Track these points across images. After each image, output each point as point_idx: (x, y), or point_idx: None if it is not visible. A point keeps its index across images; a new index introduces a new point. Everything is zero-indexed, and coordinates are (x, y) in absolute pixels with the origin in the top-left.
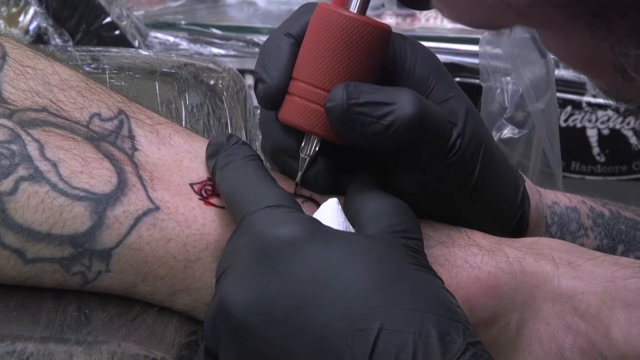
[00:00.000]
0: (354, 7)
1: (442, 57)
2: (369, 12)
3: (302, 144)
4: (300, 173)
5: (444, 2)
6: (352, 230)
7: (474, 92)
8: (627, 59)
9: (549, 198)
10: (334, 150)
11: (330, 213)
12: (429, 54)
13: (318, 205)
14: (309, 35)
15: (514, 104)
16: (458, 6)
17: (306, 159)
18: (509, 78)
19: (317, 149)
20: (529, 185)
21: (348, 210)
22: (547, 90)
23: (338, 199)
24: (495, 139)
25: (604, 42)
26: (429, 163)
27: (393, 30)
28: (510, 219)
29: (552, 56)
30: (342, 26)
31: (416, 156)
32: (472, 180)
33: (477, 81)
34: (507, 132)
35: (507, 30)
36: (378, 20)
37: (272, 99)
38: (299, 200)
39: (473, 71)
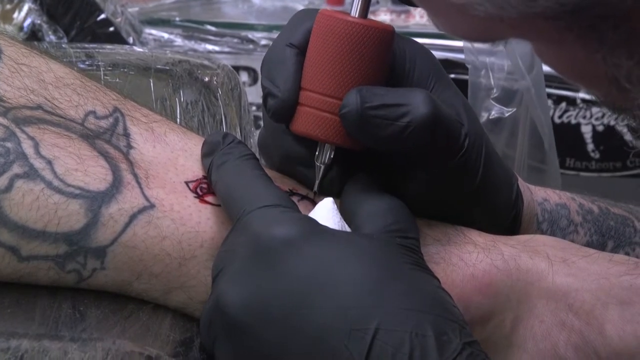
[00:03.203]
0: (355, 11)
1: (437, 54)
2: None
3: (317, 153)
4: (317, 181)
5: (438, 16)
6: (348, 229)
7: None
8: (619, 70)
9: (539, 195)
10: (347, 156)
11: (326, 213)
12: (427, 53)
13: (313, 203)
14: (313, 44)
15: (500, 84)
16: (452, 20)
17: (321, 167)
18: (494, 58)
19: (332, 156)
20: (521, 183)
21: (344, 210)
22: (534, 66)
23: (334, 198)
24: (484, 119)
25: (596, 54)
26: (438, 163)
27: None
28: (506, 218)
29: None
30: (347, 32)
31: (427, 156)
32: (477, 180)
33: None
34: (495, 112)
35: (501, 42)
36: (378, 20)
37: (284, 112)
38: (295, 199)
39: (464, 59)
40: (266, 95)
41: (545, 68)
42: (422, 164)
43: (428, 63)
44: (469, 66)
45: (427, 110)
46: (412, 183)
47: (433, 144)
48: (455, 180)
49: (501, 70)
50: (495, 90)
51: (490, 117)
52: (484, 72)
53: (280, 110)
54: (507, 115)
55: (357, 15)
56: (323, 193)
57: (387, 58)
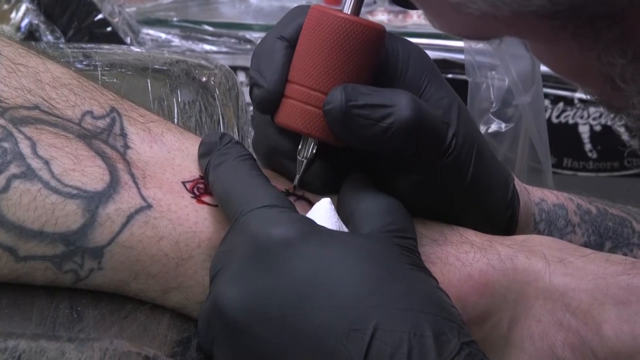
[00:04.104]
0: (347, 8)
1: (434, 54)
2: (362, 8)
3: (300, 147)
4: (298, 176)
5: (434, 14)
6: (345, 229)
7: (465, 89)
8: (613, 68)
9: (536, 195)
10: (331, 151)
11: (323, 213)
12: (421, 53)
13: (310, 203)
14: (303, 37)
15: (501, 98)
16: (447, 18)
17: (303, 161)
18: (494, 72)
19: (314, 151)
20: (517, 183)
21: (342, 210)
22: (534, 83)
23: (331, 198)
24: (482, 132)
25: (591, 52)
26: (425, 164)
27: (386, 26)
28: (501, 217)
29: None
30: (337, 28)
31: (412, 157)
32: (467, 180)
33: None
34: (494, 126)
35: (497, 40)
36: (371, 19)
37: (269, 103)
38: (291, 199)
39: (464, 68)
40: (252, 85)
41: (543, 68)
42: (409, 164)
43: (421, 63)
44: (469, 79)
45: (409, 113)
46: (402, 184)
47: (417, 146)
48: (444, 180)
49: (501, 87)
50: (494, 105)
51: (489, 131)
52: (485, 86)
53: (265, 101)
54: (504, 130)
55: (348, 12)
56: (305, 187)
57: (376, 57)
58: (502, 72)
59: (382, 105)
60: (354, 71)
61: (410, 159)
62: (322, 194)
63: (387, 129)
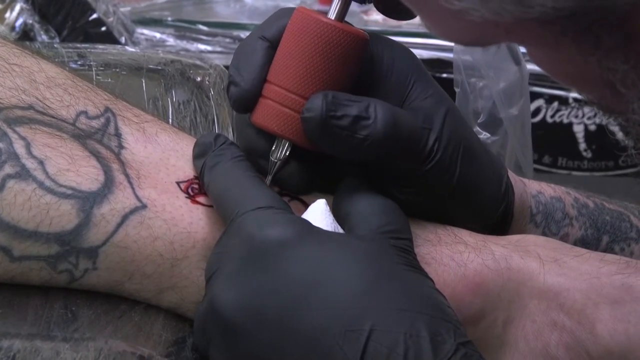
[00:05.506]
0: (332, 13)
1: (429, 53)
2: (357, 8)
3: (273, 148)
4: (269, 176)
5: (432, 20)
6: (340, 230)
7: None
8: (614, 73)
9: (533, 188)
10: (306, 152)
11: (318, 214)
12: (407, 53)
13: (304, 203)
14: (285, 39)
15: (488, 109)
16: (446, 24)
17: (276, 162)
18: (481, 83)
19: (287, 153)
20: (512, 175)
21: (337, 211)
22: (521, 96)
23: (326, 199)
24: None
25: (592, 58)
26: (408, 171)
27: (381, 26)
28: (494, 211)
29: (525, 63)
30: (320, 32)
31: (394, 166)
32: (454, 181)
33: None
34: (481, 137)
35: (494, 46)
36: (366, 19)
37: (245, 102)
38: (285, 199)
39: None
40: (229, 83)
41: (536, 69)
42: (393, 172)
43: (407, 64)
44: (457, 90)
45: (384, 125)
46: (388, 188)
47: (394, 156)
48: (431, 183)
49: (489, 98)
50: (482, 116)
51: None
52: (472, 97)
53: (241, 100)
54: (490, 142)
55: (333, 17)
56: (279, 187)
57: (357, 64)
58: (490, 82)
59: (359, 116)
60: (334, 77)
61: (392, 167)
62: (298, 193)
63: (363, 140)
